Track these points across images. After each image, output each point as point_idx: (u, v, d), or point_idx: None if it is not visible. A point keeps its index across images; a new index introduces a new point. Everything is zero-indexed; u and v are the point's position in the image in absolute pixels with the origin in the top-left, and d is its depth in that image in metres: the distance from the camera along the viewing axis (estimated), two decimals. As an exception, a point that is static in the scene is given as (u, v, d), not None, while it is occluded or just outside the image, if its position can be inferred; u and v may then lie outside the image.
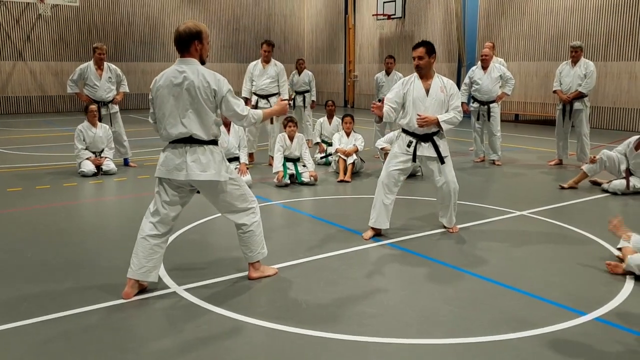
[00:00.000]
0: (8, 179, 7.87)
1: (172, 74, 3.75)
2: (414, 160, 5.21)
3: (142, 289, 3.92)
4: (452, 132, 14.00)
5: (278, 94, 8.97)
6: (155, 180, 3.92)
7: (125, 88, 8.95)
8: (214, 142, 3.84)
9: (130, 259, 3.89)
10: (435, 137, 5.17)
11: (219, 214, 6.02)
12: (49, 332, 3.33)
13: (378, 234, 5.25)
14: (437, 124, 5.06)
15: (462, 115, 5.21)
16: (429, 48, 5.13)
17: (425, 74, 5.17)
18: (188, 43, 3.75)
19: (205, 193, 3.96)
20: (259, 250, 4.16)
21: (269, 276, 4.23)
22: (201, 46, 3.79)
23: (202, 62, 3.82)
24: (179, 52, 3.81)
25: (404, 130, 5.26)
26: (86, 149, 8.22)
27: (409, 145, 5.19)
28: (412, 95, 5.13)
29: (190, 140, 3.76)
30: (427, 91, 5.12)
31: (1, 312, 3.60)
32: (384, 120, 5.25)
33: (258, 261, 4.19)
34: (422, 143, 5.16)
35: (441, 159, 5.17)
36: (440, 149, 5.17)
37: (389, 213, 5.24)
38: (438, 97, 5.11)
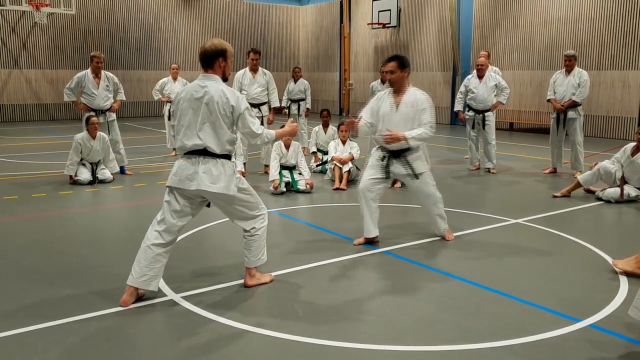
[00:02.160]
0: (4, 187, 7.86)
1: (194, 87, 3.88)
2: (387, 175, 5.18)
3: (140, 297, 3.93)
4: (447, 140, 14.09)
5: (268, 102, 8.99)
6: (166, 190, 3.99)
7: (122, 96, 8.97)
8: (227, 157, 3.93)
9: (129, 266, 3.90)
10: (406, 154, 5.08)
11: (216, 222, 6.05)
12: (46, 341, 3.33)
13: (371, 241, 5.27)
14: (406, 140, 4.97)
15: (432, 131, 5.06)
16: (400, 62, 5.05)
17: (398, 89, 5.11)
18: (213, 59, 3.89)
19: (217, 204, 4.05)
20: (260, 256, 4.20)
21: (264, 284, 4.25)
22: (225, 63, 3.93)
23: (225, 79, 3.95)
24: (202, 68, 3.94)
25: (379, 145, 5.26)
26: (81, 160, 8.18)
27: (382, 159, 5.16)
28: (382, 110, 5.10)
29: (204, 153, 3.86)
30: (397, 106, 5.06)
31: (-2, 320, 3.61)
32: (359, 135, 5.27)
33: (255, 268, 4.21)
34: (394, 159, 5.12)
35: (415, 176, 5.12)
36: (414, 166, 5.10)
37: (375, 220, 5.23)
38: (407, 112, 5.02)
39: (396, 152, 5.11)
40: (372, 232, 5.23)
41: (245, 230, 4.13)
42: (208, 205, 4.10)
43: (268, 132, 4.06)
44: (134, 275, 3.87)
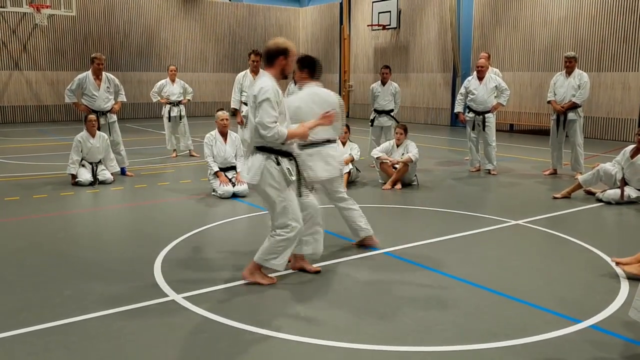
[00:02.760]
0: (5, 188, 7.87)
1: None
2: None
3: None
4: (447, 142, 14.10)
5: None
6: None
7: (122, 97, 8.98)
8: (261, 149, 4.12)
9: (129, 267, 3.91)
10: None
11: (217, 223, 6.06)
12: (48, 341, 3.34)
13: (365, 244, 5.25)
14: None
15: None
16: (302, 63, 4.81)
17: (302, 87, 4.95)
18: (273, 58, 4.14)
19: (255, 193, 4.45)
20: (269, 258, 4.22)
21: (259, 284, 4.24)
22: (285, 62, 4.15)
23: (284, 77, 4.22)
24: (265, 65, 4.22)
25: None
26: (82, 159, 8.20)
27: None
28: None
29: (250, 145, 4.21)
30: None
31: (1, 320, 3.61)
32: None
33: (261, 267, 4.26)
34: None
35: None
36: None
37: (348, 223, 5.22)
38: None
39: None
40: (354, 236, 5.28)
41: (271, 228, 4.29)
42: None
43: (280, 130, 4.00)
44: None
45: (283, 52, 4.11)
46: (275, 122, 3.98)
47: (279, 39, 4.19)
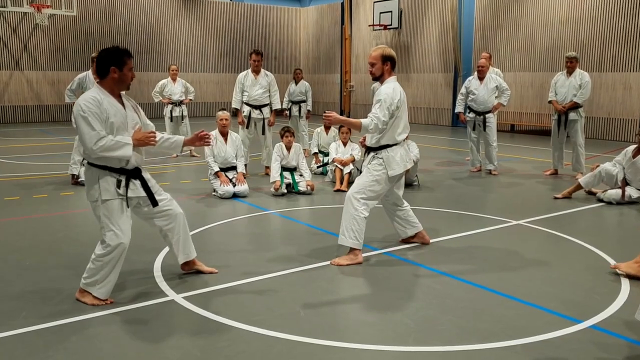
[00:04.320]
0: (6, 188, 7.87)
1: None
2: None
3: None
4: (448, 142, 14.10)
5: (270, 103, 8.99)
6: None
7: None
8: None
9: (130, 267, 3.90)
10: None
11: (217, 223, 6.05)
12: (48, 341, 3.34)
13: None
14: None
15: None
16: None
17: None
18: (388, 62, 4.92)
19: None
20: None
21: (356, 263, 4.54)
22: (387, 67, 4.94)
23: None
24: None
25: None
26: (83, 159, 8.20)
27: None
28: None
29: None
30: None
31: (1, 319, 3.61)
32: None
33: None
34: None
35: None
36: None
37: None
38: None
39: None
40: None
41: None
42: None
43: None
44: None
45: (388, 58, 4.90)
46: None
47: (384, 46, 4.95)
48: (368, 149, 4.98)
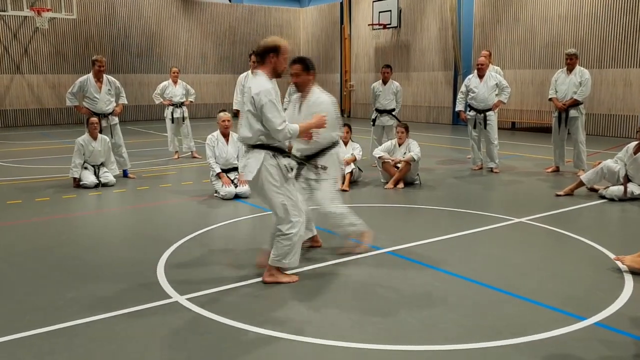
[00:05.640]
0: (8, 192, 7.88)
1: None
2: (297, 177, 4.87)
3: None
4: (449, 140, 14.09)
5: None
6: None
7: (123, 100, 8.98)
8: (261, 146, 4.15)
9: (133, 269, 3.91)
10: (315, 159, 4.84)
11: (220, 224, 6.06)
12: (53, 343, 3.34)
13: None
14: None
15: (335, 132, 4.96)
16: (306, 64, 4.85)
17: (303, 91, 4.92)
18: (264, 55, 4.17)
19: (254, 192, 4.44)
20: (283, 259, 4.26)
21: (281, 283, 4.28)
22: (276, 59, 4.18)
23: (278, 75, 4.21)
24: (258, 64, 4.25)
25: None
26: (84, 162, 8.21)
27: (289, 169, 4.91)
28: (287, 113, 4.89)
29: (246, 144, 4.23)
30: (300, 108, 4.90)
31: (5, 323, 3.62)
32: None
33: (277, 268, 4.30)
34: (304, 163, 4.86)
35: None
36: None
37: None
38: (308, 115, 4.74)
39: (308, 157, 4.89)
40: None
41: (277, 229, 4.27)
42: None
43: (291, 127, 4.13)
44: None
45: (273, 49, 4.14)
46: (284, 122, 4.07)
47: (272, 37, 4.22)
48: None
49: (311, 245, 5.17)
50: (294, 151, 4.83)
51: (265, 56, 4.14)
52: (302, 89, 4.93)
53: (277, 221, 4.26)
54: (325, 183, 4.93)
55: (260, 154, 4.13)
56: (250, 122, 4.12)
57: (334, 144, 4.96)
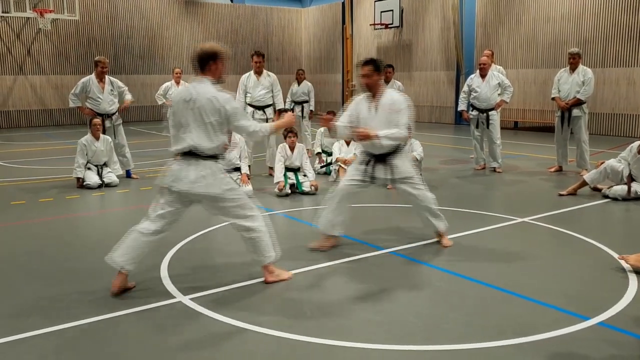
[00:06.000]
0: (11, 192, 7.90)
1: (185, 91, 4.05)
2: (371, 180, 5.08)
3: (128, 288, 4.14)
4: (452, 140, 14.08)
5: (273, 104, 9.01)
6: (159, 188, 4.15)
7: (129, 96, 8.96)
8: (214, 157, 4.06)
9: (136, 269, 3.92)
10: (389, 158, 4.99)
11: (222, 224, 6.06)
12: (57, 343, 3.35)
13: (332, 245, 5.17)
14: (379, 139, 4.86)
15: (407, 132, 4.98)
16: (376, 65, 4.94)
17: (374, 92, 4.99)
18: (204, 63, 4.01)
19: (206, 205, 4.19)
20: (266, 254, 4.24)
21: (284, 280, 4.30)
22: (216, 66, 4.04)
23: (219, 82, 4.07)
24: (195, 71, 4.05)
25: (362, 150, 5.19)
26: (87, 162, 8.22)
27: (366, 164, 5.07)
28: (361, 114, 5.01)
29: (192, 154, 4.01)
30: (376, 109, 4.97)
31: (9, 323, 3.63)
32: (338, 136, 5.23)
33: (271, 264, 4.29)
34: (378, 164, 5.03)
35: (394, 180, 5.02)
36: (397, 171, 4.98)
37: (340, 222, 5.15)
38: (385, 115, 4.92)
39: (379, 157, 5.02)
40: (333, 229, 5.13)
41: (242, 231, 4.19)
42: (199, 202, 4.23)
43: (263, 126, 4.23)
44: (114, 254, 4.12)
45: (212, 56, 4.02)
46: (254, 123, 4.18)
47: (208, 43, 4.09)
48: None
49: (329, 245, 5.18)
50: (367, 149, 5.00)
51: (206, 64, 4.01)
52: (373, 89, 5.00)
53: (240, 222, 4.16)
54: (413, 179, 5.06)
55: (215, 164, 4.07)
56: (211, 132, 3.97)
57: (405, 143, 5.11)
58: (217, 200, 4.07)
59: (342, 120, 5.11)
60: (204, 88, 3.98)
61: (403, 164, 5.07)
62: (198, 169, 3.99)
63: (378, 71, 4.95)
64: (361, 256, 4.96)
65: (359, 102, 5.11)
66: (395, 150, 5.02)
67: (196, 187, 3.98)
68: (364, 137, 4.86)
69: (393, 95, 5.04)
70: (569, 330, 3.44)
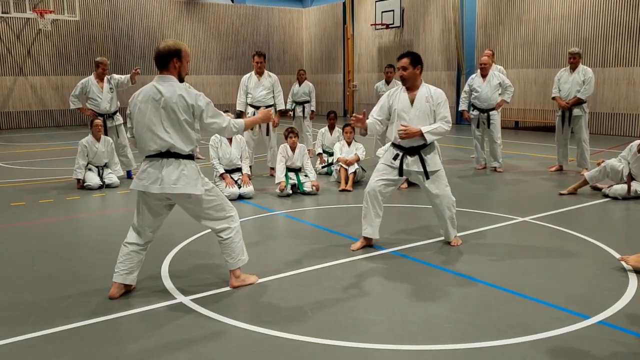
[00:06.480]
0: (12, 194, 7.90)
1: (150, 90, 3.90)
2: (400, 174, 5.05)
3: (128, 290, 4.13)
4: (453, 140, 14.08)
5: (274, 105, 9.01)
6: (136, 193, 4.06)
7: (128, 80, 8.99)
8: (191, 157, 3.99)
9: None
10: (422, 151, 4.99)
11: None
12: (57, 345, 3.35)
13: (369, 244, 5.19)
14: (422, 135, 4.88)
15: (449, 126, 4.99)
16: (414, 58, 4.95)
17: (410, 85, 5.00)
18: (167, 60, 3.89)
19: (182, 205, 4.09)
20: (240, 257, 4.20)
21: (249, 284, 4.25)
22: (180, 64, 3.92)
23: (181, 80, 3.97)
24: (158, 69, 3.94)
25: (392, 143, 5.16)
26: (88, 163, 8.23)
27: (395, 158, 5.04)
28: (396, 107, 5.00)
29: (166, 155, 3.90)
30: (412, 102, 4.96)
31: (9, 325, 3.63)
32: (369, 133, 5.21)
33: (239, 268, 4.22)
34: (409, 157, 5.00)
35: (427, 175, 4.99)
36: (428, 164, 4.98)
37: (378, 223, 5.15)
38: (423, 108, 4.93)
39: (410, 150, 5.01)
40: (375, 234, 5.16)
41: (216, 234, 4.15)
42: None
43: (236, 121, 4.15)
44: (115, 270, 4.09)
45: (176, 53, 3.88)
46: (226, 118, 4.07)
47: (170, 40, 3.98)
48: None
49: (365, 245, 5.20)
50: (399, 142, 4.99)
51: (169, 61, 3.87)
52: (409, 83, 4.99)
53: (216, 224, 4.11)
54: (440, 173, 5.09)
55: (193, 163, 4.01)
56: (186, 132, 3.90)
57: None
58: (200, 201, 4.00)
59: (374, 114, 5.11)
60: (171, 86, 3.86)
61: (434, 157, 5.07)
62: (179, 169, 3.88)
63: (415, 64, 4.94)
64: (362, 256, 4.96)
65: (393, 95, 5.09)
66: (426, 144, 5.00)
67: (178, 188, 3.87)
68: (409, 135, 4.85)
69: (430, 88, 5.02)
70: (569, 329, 3.44)
